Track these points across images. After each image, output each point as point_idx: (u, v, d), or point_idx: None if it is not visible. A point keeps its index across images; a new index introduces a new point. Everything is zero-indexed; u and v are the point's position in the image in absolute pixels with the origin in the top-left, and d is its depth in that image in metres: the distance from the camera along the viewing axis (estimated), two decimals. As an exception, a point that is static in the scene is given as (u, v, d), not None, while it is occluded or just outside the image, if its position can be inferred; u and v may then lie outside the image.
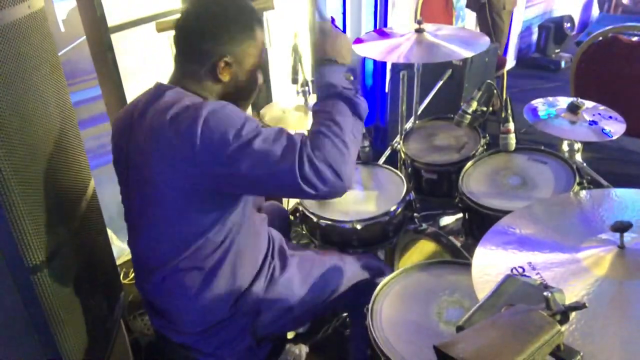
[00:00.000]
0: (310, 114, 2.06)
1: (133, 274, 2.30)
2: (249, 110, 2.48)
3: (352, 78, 1.29)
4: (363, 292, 1.48)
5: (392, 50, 2.03)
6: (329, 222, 1.71)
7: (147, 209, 1.27)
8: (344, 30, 3.33)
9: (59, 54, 1.38)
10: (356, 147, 1.23)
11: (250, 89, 1.33)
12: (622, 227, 0.95)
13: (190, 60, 1.25)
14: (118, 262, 1.89)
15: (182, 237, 1.24)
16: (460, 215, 1.91)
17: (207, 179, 1.16)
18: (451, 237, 1.85)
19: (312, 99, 2.14)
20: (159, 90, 1.24)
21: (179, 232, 1.24)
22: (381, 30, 2.38)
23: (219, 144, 1.12)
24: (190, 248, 1.25)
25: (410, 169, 2.08)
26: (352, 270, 1.55)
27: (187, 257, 1.26)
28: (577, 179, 1.67)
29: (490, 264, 1.05)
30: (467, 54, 1.96)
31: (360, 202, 1.83)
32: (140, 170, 1.24)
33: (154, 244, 1.29)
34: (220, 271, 1.29)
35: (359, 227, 1.69)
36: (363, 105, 1.27)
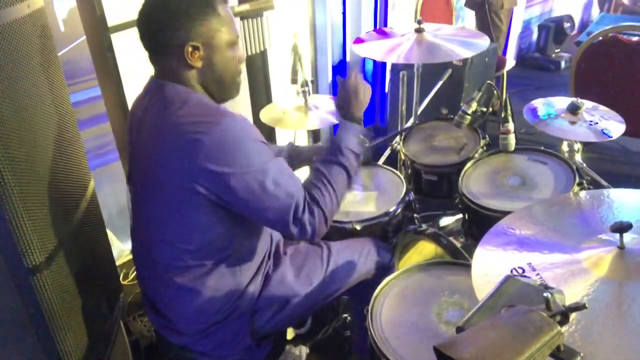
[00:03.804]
0: (309, 114, 2.06)
1: (133, 275, 2.30)
2: (249, 114, 2.49)
3: (367, 144, 1.42)
4: (367, 290, 1.48)
5: (392, 50, 2.03)
6: (329, 223, 1.71)
7: (151, 206, 1.27)
8: (344, 30, 3.32)
9: (59, 54, 1.38)
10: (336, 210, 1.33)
11: (232, 71, 1.28)
12: (621, 228, 0.95)
13: (161, 55, 1.23)
14: (118, 263, 1.89)
15: (183, 236, 1.24)
16: (460, 215, 1.91)
17: (205, 188, 1.17)
18: (451, 238, 1.85)
19: (312, 99, 2.14)
20: (157, 85, 1.25)
21: (179, 232, 1.24)
22: (381, 30, 2.38)
23: (225, 164, 1.14)
24: (191, 247, 1.25)
25: (410, 169, 2.08)
26: (362, 266, 1.55)
27: (188, 256, 1.26)
28: (577, 180, 1.66)
29: (490, 264, 1.05)
30: (467, 54, 1.96)
31: (359, 202, 1.83)
32: (145, 167, 1.25)
33: (155, 242, 1.29)
34: (220, 271, 1.29)
35: (358, 227, 1.69)
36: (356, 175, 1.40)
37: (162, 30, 1.19)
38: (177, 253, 1.26)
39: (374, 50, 2.08)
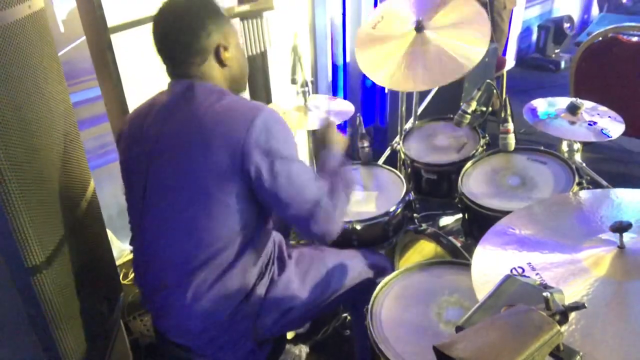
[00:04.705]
0: (309, 114, 2.06)
1: (133, 275, 2.29)
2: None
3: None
4: (366, 290, 1.48)
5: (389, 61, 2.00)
6: (329, 223, 1.71)
7: (174, 206, 1.26)
8: (344, 29, 3.33)
9: (59, 54, 1.39)
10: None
11: (246, 70, 1.42)
12: (621, 228, 0.95)
13: (188, 62, 1.28)
14: (118, 263, 1.90)
15: (203, 236, 1.24)
16: (460, 215, 1.91)
17: (250, 169, 1.20)
18: (451, 238, 1.85)
19: (312, 99, 2.14)
20: (186, 84, 1.27)
21: (202, 231, 1.23)
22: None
23: (275, 148, 1.21)
24: (207, 248, 1.24)
25: (410, 169, 2.08)
26: (357, 268, 1.55)
27: (203, 258, 1.25)
28: (577, 179, 1.67)
29: (490, 264, 1.05)
30: (470, 62, 1.93)
31: (360, 202, 1.83)
32: (180, 163, 1.23)
33: (170, 244, 1.28)
34: (230, 272, 1.28)
35: (358, 227, 1.69)
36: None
37: (195, 38, 1.26)
38: (192, 252, 1.25)
39: (372, 66, 2.07)
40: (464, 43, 1.98)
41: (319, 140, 1.54)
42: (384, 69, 2.04)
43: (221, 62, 1.30)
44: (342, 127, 3.44)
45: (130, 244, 1.41)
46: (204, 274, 1.27)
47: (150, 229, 1.33)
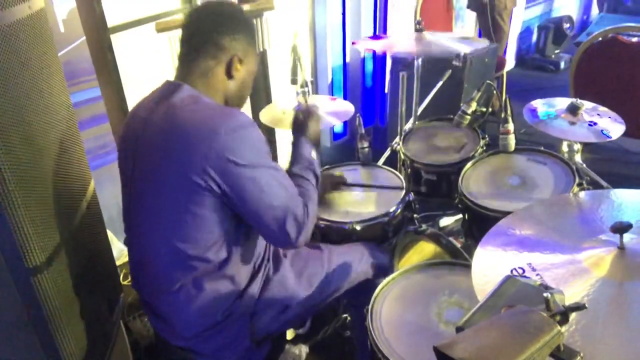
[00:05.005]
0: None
1: (132, 275, 2.29)
2: (249, 114, 2.49)
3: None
4: (366, 291, 1.48)
5: (391, 46, 2.03)
6: (328, 223, 1.71)
7: (155, 205, 1.26)
8: (344, 30, 3.33)
9: (59, 55, 1.38)
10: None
11: (247, 93, 1.40)
12: (621, 228, 0.95)
13: (204, 55, 1.28)
14: (118, 263, 1.89)
15: (185, 235, 1.24)
16: (460, 216, 1.91)
17: (215, 180, 1.18)
18: (451, 238, 1.85)
19: (312, 99, 2.14)
20: (171, 87, 1.27)
21: (183, 235, 1.23)
22: (379, 37, 2.39)
23: (239, 156, 1.18)
24: (193, 251, 1.24)
25: (409, 169, 2.08)
26: (358, 268, 1.56)
27: (190, 260, 1.25)
28: (577, 180, 1.67)
29: (490, 265, 1.05)
30: (466, 49, 1.96)
31: (359, 202, 1.83)
32: (152, 165, 1.24)
33: (156, 246, 1.28)
34: (220, 273, 1.29)
35: (358, 227, 1.69)
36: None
37: (220, 34, 1.27)
38: (178, 254, 1.25)
39: (374, 44, 2.09)
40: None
41: (296, 122, 1.53)
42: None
43: (229, 73, 1.30)
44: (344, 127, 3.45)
45: (124, 244, 1.42)
46: (193, 277, 1.27)
47: (138, 232, 1.33)
